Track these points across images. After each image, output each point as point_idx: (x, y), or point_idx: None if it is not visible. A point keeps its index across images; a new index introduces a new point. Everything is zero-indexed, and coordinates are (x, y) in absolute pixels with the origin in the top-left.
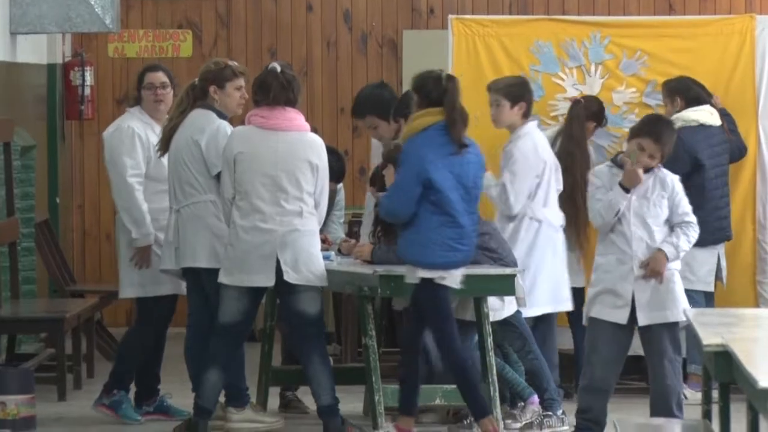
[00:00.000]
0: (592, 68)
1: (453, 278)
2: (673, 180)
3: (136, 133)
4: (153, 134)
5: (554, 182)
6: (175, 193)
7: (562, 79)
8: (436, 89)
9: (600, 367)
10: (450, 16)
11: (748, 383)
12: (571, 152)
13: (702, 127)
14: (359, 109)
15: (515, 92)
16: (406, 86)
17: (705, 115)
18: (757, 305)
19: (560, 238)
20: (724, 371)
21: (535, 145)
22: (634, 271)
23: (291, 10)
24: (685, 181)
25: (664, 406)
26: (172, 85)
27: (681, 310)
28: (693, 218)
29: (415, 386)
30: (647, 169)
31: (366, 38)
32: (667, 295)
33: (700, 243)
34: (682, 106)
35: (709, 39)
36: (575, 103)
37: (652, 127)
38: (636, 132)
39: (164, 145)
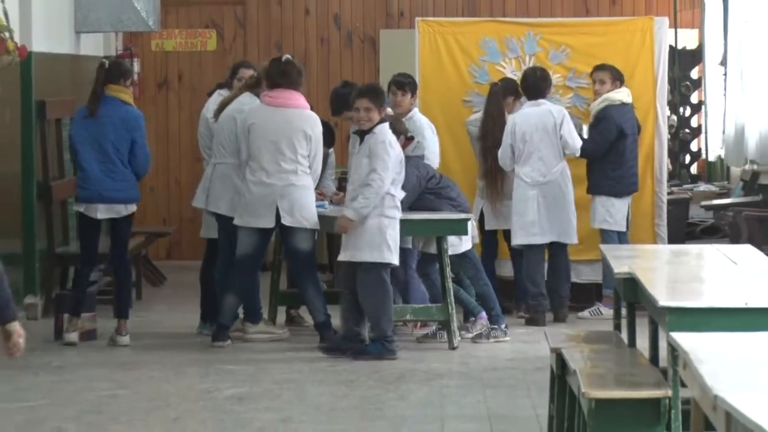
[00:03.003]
0: (527, 58)
1: (91, 210)
2: (376, 142)
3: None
4: None
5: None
6: (215, 151)
7: (504, 67)
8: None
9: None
10: (417, 18)
11: (649, 302)
12: (487, 123)
13: (623, 104)
14: (335, 108)
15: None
16: (383, 74)
17: (625, 95)
18: (655, 242)
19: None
20: (630, 293)
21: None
22: None
23: (293, 13)
24: (611, 147)
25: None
26: None
27: (372, 253)
28: (373, 179)
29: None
30: (368, 130)
31: (351, 36)
32: (360, 239)
33: (618, 194)
34: (617, 87)
35: (617, 36)
36: (493, 85)
37: (372, 91)
38: (361, 94)
39: (218, 112)
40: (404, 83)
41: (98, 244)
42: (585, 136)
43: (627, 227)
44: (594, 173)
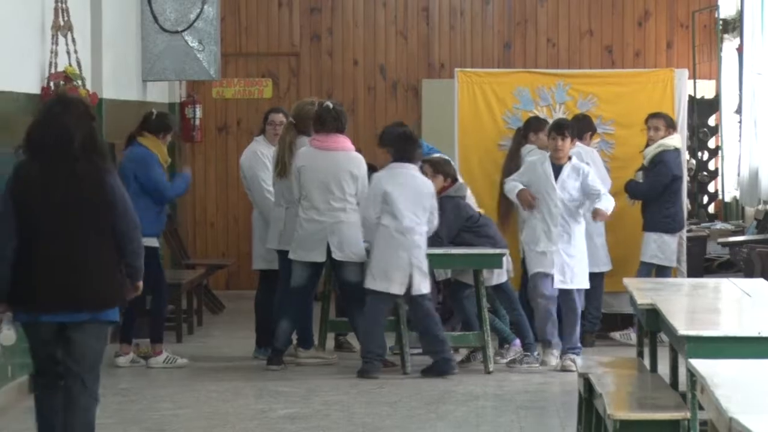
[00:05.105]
0: (557, 107)
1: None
2: None
3: (266, 156)
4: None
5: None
6: (283, 194)
7: (536, 115)
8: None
9: None
10: (456, 69)
11: (670, 331)
12: (507, 162)
13: (676, 150)
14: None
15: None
16: (425, 121)
17: (677, 141)
18: (675, 276)
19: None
20: (652, 323)
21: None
22: None
23: (342, 64)
24: (665, 188)
25: None
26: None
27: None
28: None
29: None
30: None
31: (396, 85)
32: None
33: (672, 230)
34: (670, 133)
35: (640, 86)
36: (517, 130)
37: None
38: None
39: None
40: (564, 127)
41: None
42: (640, 180)
43: (678, 260)
44: (649, 211)
